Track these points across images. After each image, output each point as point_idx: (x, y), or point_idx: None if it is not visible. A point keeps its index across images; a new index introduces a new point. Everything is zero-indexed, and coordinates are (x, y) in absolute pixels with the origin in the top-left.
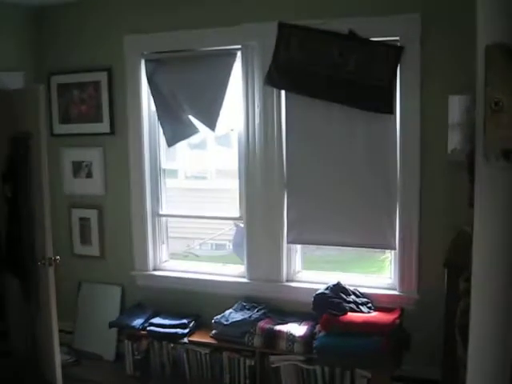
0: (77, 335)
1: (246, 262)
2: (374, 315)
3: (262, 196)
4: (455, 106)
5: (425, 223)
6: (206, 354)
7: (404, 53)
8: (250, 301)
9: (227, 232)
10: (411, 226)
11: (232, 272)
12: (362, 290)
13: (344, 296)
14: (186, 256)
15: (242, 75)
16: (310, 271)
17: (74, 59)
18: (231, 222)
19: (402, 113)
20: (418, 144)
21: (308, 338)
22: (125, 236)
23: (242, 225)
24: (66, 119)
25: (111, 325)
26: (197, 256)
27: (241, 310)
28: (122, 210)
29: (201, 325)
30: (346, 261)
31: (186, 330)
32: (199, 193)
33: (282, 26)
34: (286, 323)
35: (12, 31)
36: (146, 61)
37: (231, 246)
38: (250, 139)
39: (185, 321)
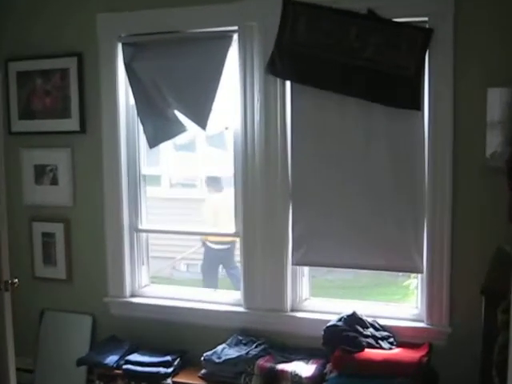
0: (38, 374)
1: (242, 288)
2: (397, 352)
3: (262, 208)
4: (495, 101)
5: (458, 241)
6: None
7: (434, 36)
8: (247, 334)
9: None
10: (442, 245)
11: (225, 299)
12: (383, 322)
13: (360, 329)
14: (171, 279)
15: (239, 62)
16: (319, 298)
17: (36, 42)
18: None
19: (430, 109)
20: (450, 146)
21: (317, 380)
22: (97, 255)
23: (211, 244)
24: (26, 114)
25: (80, 362)
26: (181, 280)
27: (236, 345)
28: (93, 223)
29: (188, 363)
30: (363, 286)
31: (170, 369)
32: (187, 204)
33: (287, 4)
34: (291, 361)
35: None
36: (123, 45)
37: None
38: (249, 140)
39: (168, 358)
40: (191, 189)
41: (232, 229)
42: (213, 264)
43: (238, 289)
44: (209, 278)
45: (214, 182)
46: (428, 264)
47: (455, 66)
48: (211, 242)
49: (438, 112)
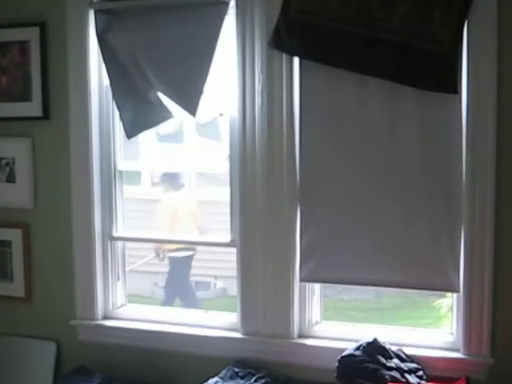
0: None
1: (239, 309)
2: None
3: (263, 212)
4: None
5: (502, 254)
6: None
7: (474, 4)
8: (244, 365)
9: (213, 264)
10: (482, 258)
11: (219, 323)
12: (410, 351)
13: (383, 359)
14: (152, 298)
15: (237, 35)
16: (333, 322)
17: None
18: (222, 249)
19: (470, 93)
20: (493, 139)
21: None
22: (62, 269)
23: (176, 253)
24: None
25: None
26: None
27: (231, 378)
28: (58, 230)
29: None
30: (385, 308)
31: None
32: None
33: None
34: None
35: None
36: (96, 12)
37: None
38: (248, 129)
39: None
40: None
41: (227, 237)
42: (183, 276)
43: (166, 304)
44: (185, 296)
45: (170, 179)
46: (466, 281)
47: (500, 41)
48: (172, 250)
49: (479, 96)
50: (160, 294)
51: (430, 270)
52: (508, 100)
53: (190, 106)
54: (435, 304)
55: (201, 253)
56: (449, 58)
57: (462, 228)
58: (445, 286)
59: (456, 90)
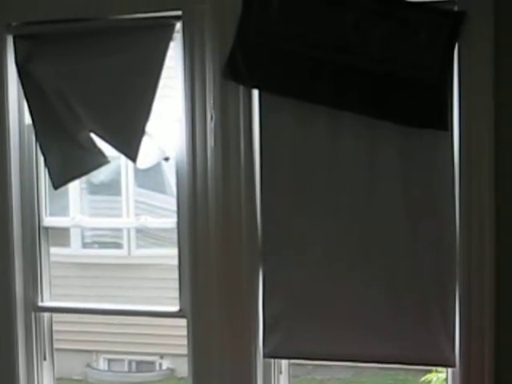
0: None
1: None
2: None
3: (219, 276)
4: None
5: (505, 319)
6: None
7: (467, 23)
8: None
9: (158, 340)
10: (482, 326)
11: None
12: None
13: None
14: (85, 382)
15: (184, 63)
16: None
17: None
18: (169, 321)
19: (462, 129)
20: (491, 183)
21: None
22: None
23: None
24: None
25: None
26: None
27: None
28: None
29: None
30: None
31: None
32: (109, 270)
33: None
34: None
35: None
36: (15, 38)
37: None
38: (199, 175)
39: None
40: (115, 249)
41: (175, 306)
42: None
43: None
44: None
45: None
46: (462, 353)
47: (497, 66)
48: None
49: (474, 133)
50: (95, 376)
51: (418, 341)
52: (508, 137)
53: (129, 149)
54: (423, 380)
55: (143, 327)
56: (437, 87)
57: (457, 291)
58: (437, 360)
59: (446, 126)
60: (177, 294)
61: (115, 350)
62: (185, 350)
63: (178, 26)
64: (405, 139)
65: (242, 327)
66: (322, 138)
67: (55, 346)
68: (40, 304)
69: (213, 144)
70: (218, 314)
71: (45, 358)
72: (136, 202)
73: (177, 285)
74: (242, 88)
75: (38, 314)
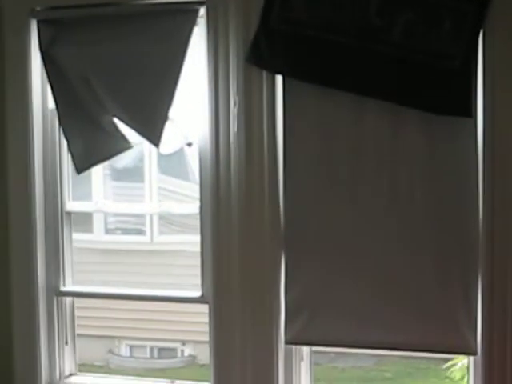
0: None
1: (212, 381)
2: None
3: (241, 261)
4: None
5: None
6: None
7: (491, 9)
8: None
9: (180, 327)
10: (505, 313)
11: None
12: None
13: None
14: (107, 367)
15: (208, 49)
16: None
17: None
18: (191, 308)
19: (487, 116)
20: None
21: None
22: None
23: None
24: None
25: None
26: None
27: None
28: None
29: None
30: (388, 378)
31: None
32: (131, 257)
33: None
34: None
35: None
36: (39, 22)
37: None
38: (222, 161)
39: None
40: (137, 235)
41: (197, 292)
42: None
43: None
44: None
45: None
46: (484, 341)
47: None
48: None
49: (498, 121)
50: (117, 362)
51: (440, 328)
52: None
53: (153, 133)
54: (446, 368)
55: (165, 313)
56: (461, 74)
57: (479, 278)
58: (459, 347)
59: (470, 112)
60: (199, 281)
61: (137, 337)
62: (206, 337)
63: (202, 11)
64: (429, 125)
65: (263, 314)
66: (346, 123)
67: (77, 331)
68: (62, 289)
69: (236, 130)
70: (240, 300)
71: (66, 343)
72: (159, 188)
73: (199, 271)
74: (265, 73)
75: (60, 299)
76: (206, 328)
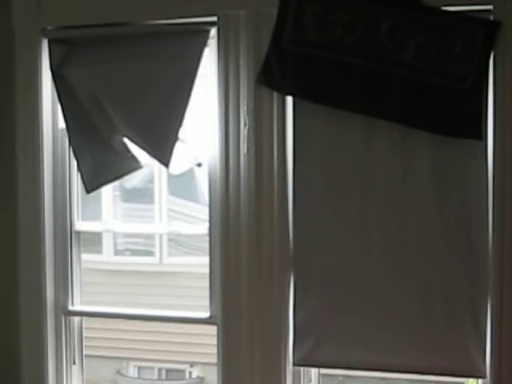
0: None
1: None
2: None
3: (250, 282)
4: None
5: None
6: None
7: (502, 32)
8: None
9: (189, 349)
10: None
11: None
12: None
13: None
14: None
15: (218, 69)
16: None
17: None
18: (199, 329)
19: (497, 139)
20: None
21: None
22: (7, 349)
23: None
24: None
25: None
26: None
27: None
28: (1, 302)
29: None
30: None
31: None
32: (140, 278)
33: None
34: None
35: None
36: (50, 42)
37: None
38: (231, 181)
39: None
40: (146, 256)
41: (206, 312)
42: None
43: None
44: None
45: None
46: (493, 364)
47: None
48: None
49: (508, 143)
50: (124, 383)
51: (449, 351)
52: None
53: (163, 153)
54: None
55: (173, 335)
56: (472, 96)
57: (489, 301)
58: (468, 370)
59: (480, 135)
60: (207, 303)
61: (145, 358)
62: (215, 359)
63: (213, 31)
64: (438, 148)
65: (272, 335)
66: (356, 145)
67: (85, 352)
68: (70, 308)
69: (246, 150)
70: (248, 322)
71: (74, 362)
72: (168, 210)
73: (207, 293)
74: (275, 94)
75: (68, 318)
76: (215, 350)
